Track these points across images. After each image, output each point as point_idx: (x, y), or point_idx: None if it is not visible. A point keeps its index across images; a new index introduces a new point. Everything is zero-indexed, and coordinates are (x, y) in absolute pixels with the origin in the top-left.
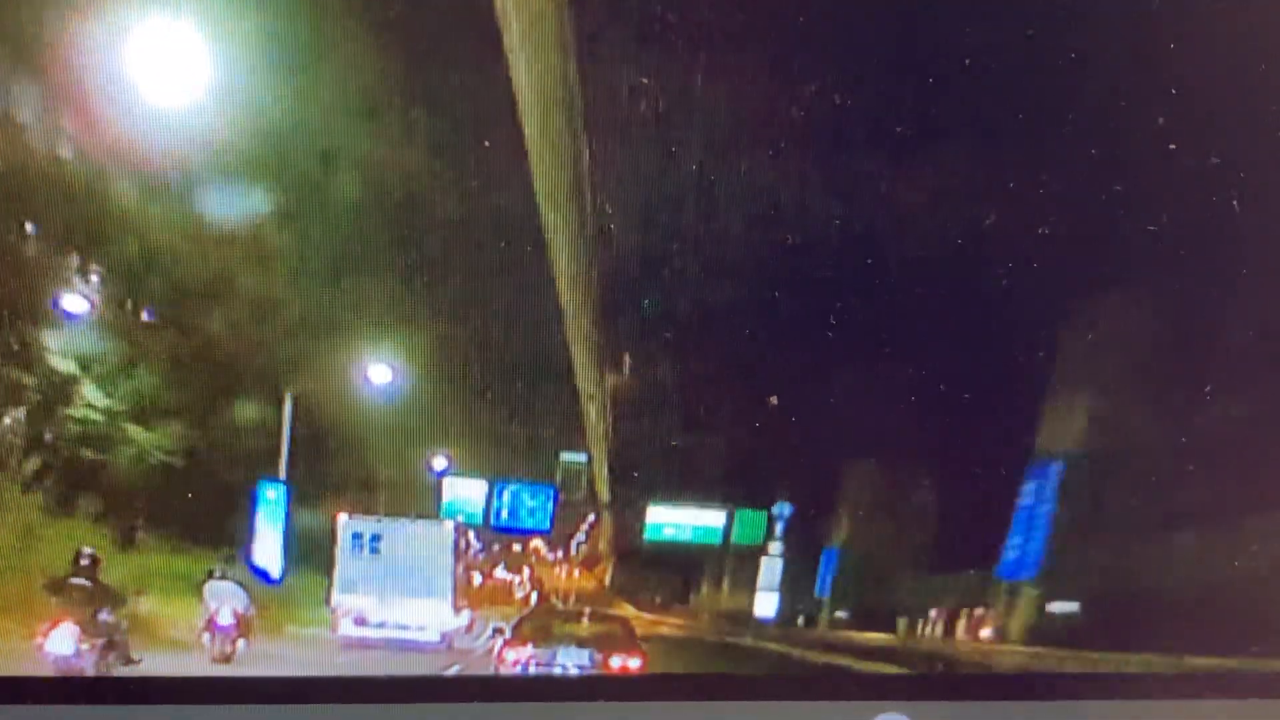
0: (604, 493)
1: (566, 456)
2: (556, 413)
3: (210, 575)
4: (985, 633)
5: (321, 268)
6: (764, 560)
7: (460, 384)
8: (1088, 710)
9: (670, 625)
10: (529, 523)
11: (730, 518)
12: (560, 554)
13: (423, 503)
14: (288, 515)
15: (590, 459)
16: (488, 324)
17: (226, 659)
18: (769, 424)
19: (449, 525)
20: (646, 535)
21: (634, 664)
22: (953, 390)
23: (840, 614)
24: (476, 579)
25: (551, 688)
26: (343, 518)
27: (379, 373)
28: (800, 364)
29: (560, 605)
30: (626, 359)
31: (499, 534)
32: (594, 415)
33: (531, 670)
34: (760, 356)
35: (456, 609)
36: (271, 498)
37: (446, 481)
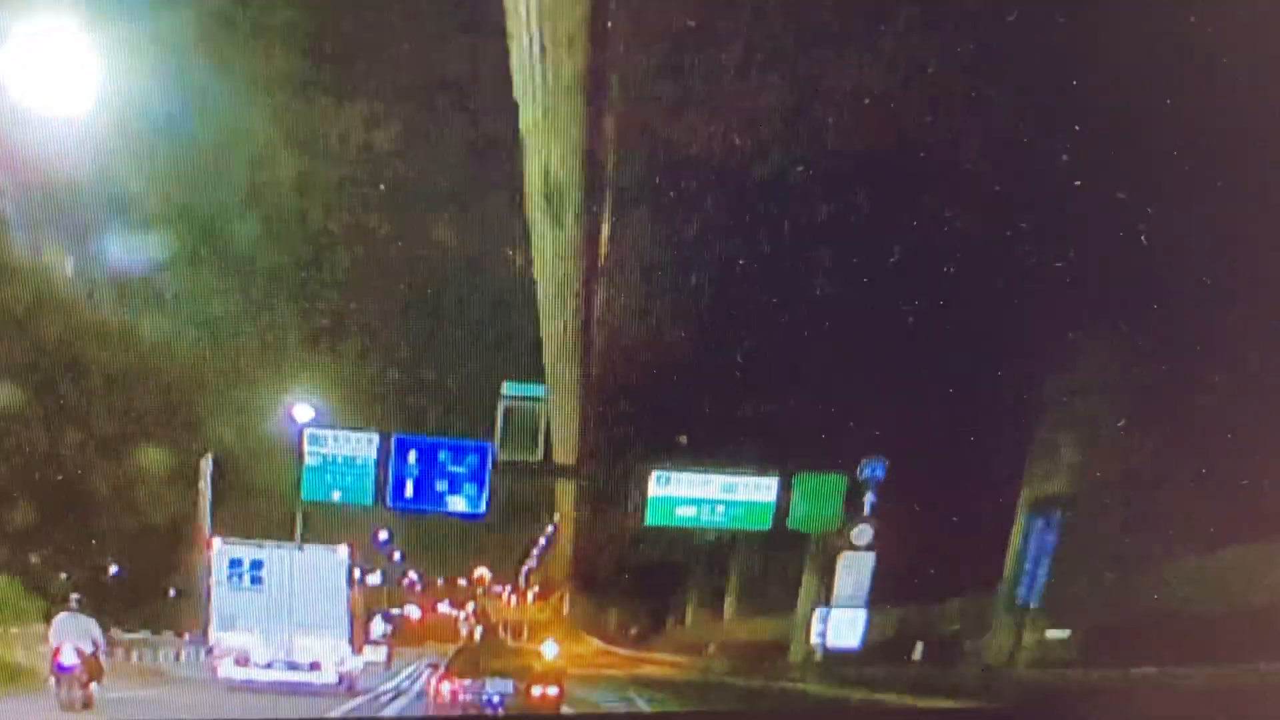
0: (571, 449)
1: (513, 390)
2: (498, 316)
3: (66, 604)
4: None
5: None
6: (844, 558)
7: (330, 258)
8: None
9: (666, 664)
10: (450, 502)
11: (785, 487)
12: (508, 587)
13: (260, 463)
14: None
15: (550, 392)
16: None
17: (84, 706)
18: (850, 334)
19: (343, 551)
20: (647, 519)
21: (553, 692)
22: None
23: (1054, 633)
24: (415, 613)
25: None
26: (217, 543)
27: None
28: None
29: (510, 641)
30: (619, 223)
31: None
32: (561, 318)
33: (461, 700)
34: (830, 229)
35: (357, 647)
36: None
37: (310, 435)
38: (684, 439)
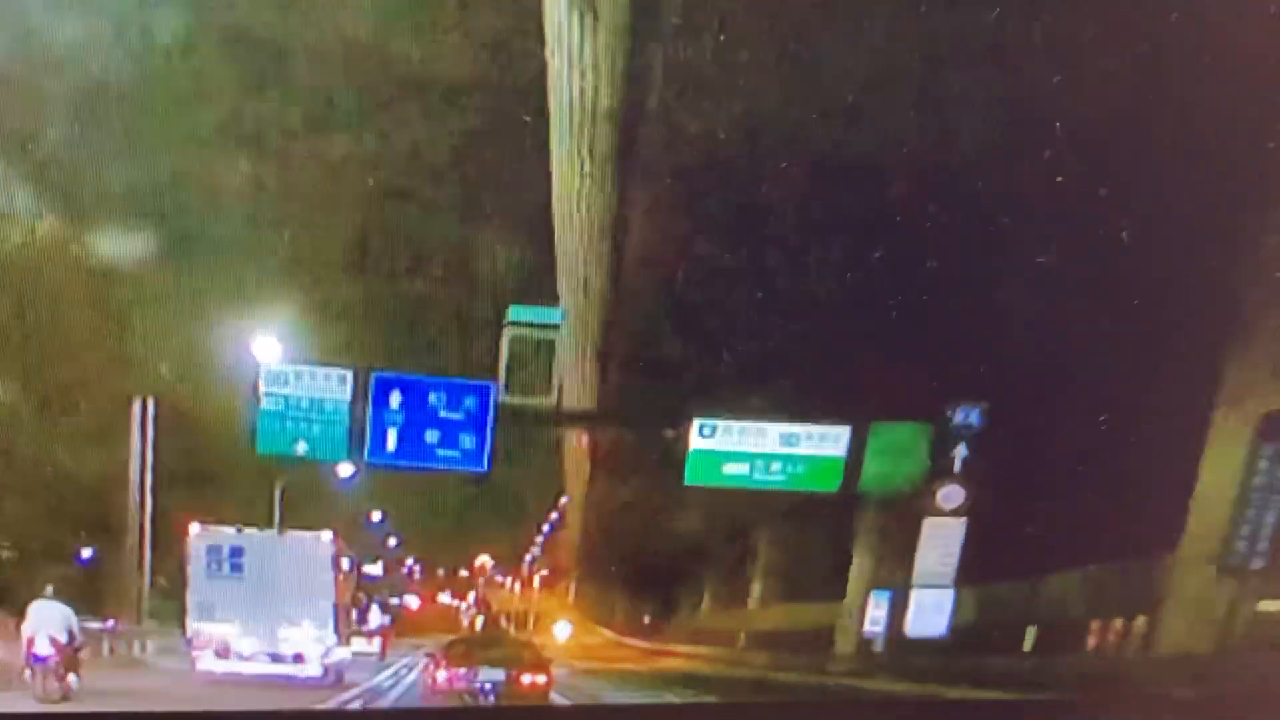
0: (592, 390)
1: (520, 315)
2: (501, 213)
3: (43, 592)
4: None
5: None
6: (928, 526)
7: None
8: None
9: (695, 658)
10: (444, 457)
11: (859, 438)
12: (510, 577)
13: (207, 407)
14: None
15: (568, 317)
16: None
17: (62, 698)
18: (942, 241)
19: (326, 537)
20: (686, 478)
21: (541, 680)
22: None
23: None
24: (414, 603)
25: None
26: (194, 528)
27: None
28: None
29: (514, 632)
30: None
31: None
32: (585, 194)
33: (456, 687)
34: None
35: (344, 638)
36: None
37: (266, 372)
38: (671, 433)
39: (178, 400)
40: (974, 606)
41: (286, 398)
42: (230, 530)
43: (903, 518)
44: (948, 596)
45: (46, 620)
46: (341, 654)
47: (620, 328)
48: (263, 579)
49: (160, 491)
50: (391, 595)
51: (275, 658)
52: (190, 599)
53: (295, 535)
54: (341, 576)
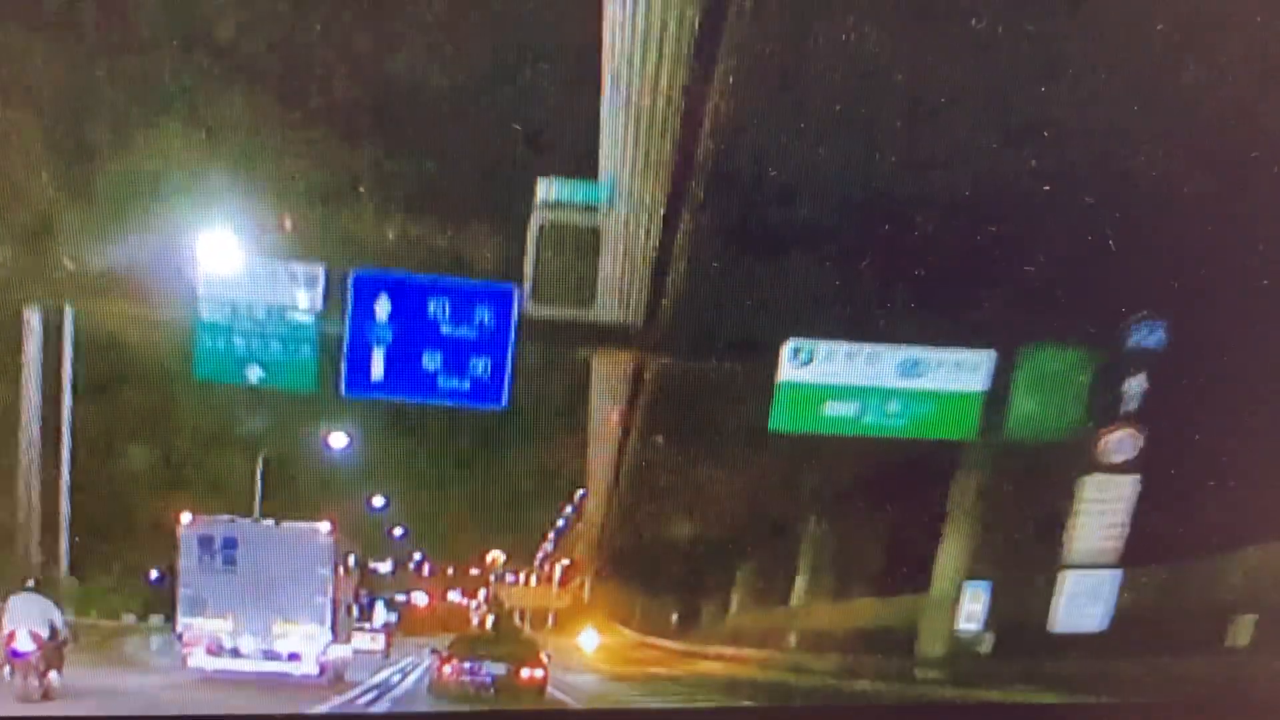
0: (641, 297)
1: (553, 193)
2: (536, 76)
3: (23, 585)
4: None
5: None
6: (1090, 485)
7: None
8: None
9: (745, 662)
10: (447, 386)
11: (1006, 366)
12: (523, 572)
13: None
14: None
15: (617, 195)
16: None
17: (44, 696)
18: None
19: (324, 528)
20: (772, 421)
21: (539, 674)
22: None
23: None
24: (422, 600)
25: None
26: (185, 518)
27: None
28: None
29: (527, 630)
30: None
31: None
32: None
33: (460, 680)
34: None
35: (342, 636)
36: None
37: (208, 275)
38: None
39: (88, 303)
40: (1151, 591)
41: (234, 306)
42: (223, 519)
43: (1048, 476)
44: (1111, 579)
45: (27, 614)
46: (340, 652)
47: (686, 213)
48: (257, 572)
49: (89, 450)
50: (398, 592)
51: (269, 655)
52: (180, 593)
53: (291, 526)
54: (342, 571)
